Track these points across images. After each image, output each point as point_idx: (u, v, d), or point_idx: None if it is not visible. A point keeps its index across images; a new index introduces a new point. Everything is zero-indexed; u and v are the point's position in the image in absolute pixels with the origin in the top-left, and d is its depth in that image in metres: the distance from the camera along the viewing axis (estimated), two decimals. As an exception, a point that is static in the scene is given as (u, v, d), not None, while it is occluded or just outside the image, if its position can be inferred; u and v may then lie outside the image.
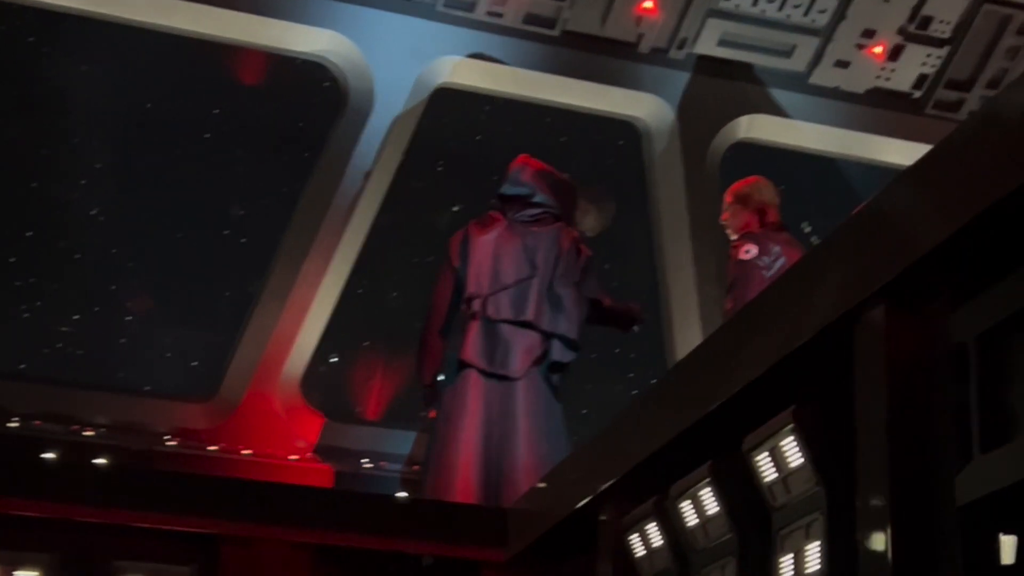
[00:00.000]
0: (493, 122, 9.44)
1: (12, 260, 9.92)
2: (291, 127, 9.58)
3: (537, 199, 7.63)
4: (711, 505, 3.99)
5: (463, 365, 7.31)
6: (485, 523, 5.72)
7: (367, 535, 5.57)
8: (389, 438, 9.13)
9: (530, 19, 9.13)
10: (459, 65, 9.18)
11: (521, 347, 7.29)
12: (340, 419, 9.32)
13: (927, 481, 3.15)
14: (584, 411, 9.78)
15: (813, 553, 3.47)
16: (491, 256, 7.51)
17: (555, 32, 9.20)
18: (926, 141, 9.24)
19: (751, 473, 3.73)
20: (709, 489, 3.98)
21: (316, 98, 9.29)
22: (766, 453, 3.65)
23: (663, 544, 4.32)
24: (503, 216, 7.63)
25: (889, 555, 3.14)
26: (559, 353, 7.31)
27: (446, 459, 7.16)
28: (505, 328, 7.35)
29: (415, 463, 8.58)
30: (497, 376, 7.24)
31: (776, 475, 3.64)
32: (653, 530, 4.35)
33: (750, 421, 3.80)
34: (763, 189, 7.65)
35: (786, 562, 3.59)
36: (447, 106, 9.38)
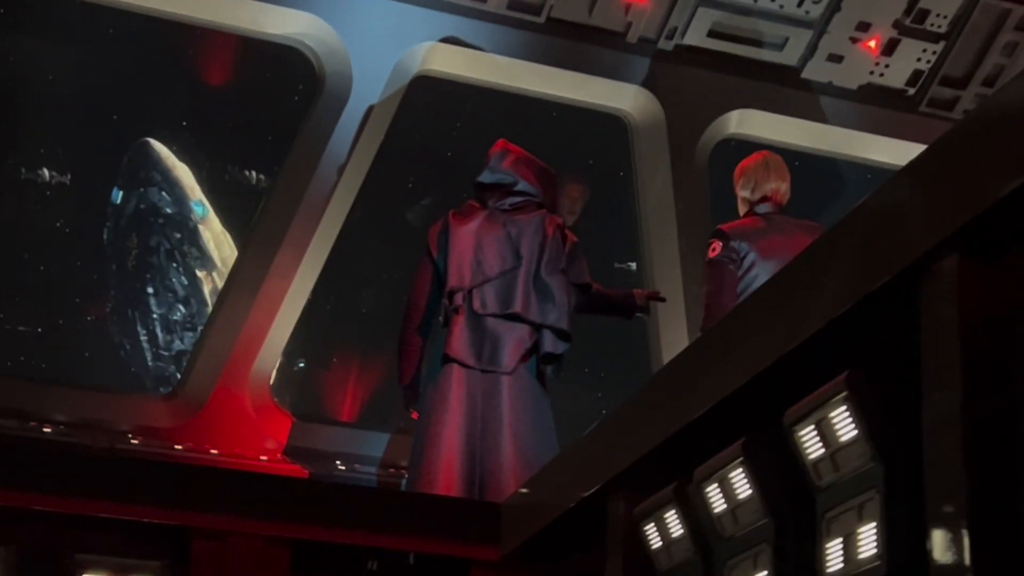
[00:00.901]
0: (474, 112, 9.09)
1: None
2: (265, 113, 9.20)
3: (519, 187, 7.28)
4: (743, 488, 3.62)
5: (448, 360, 6.93)
6: (476, 519, 5.34)
7: (348, 530, 5.18)
8: (363, 440, 8.76)
9: (514, 5, 8.77)
10: (440, 51, 8.82)
11: (510, 341, 6.93)
12: (311, 419, 8.92)
13: (1010, 451, 2.79)
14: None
15: (868, 536, 3.11)
16: (473, 247, 7.15)
17: (540, 19, 8.85)
18: (919, 140, 8.96)
19: (793, 450, 3.36)
20: (741, 470, 3.61)
21: (291, 83, 8.91)
22: (812, 427, 3.29)
23: (684, 534, 3.95)
24: (483, 205, 7.27)
25: (965, 536, 2.79)
26: (550, 344, 6.94)
27: (428, 458, 6.77)
28: (492, 322, 6.98)
29: (391, 466, 8.22)
30: (483, 371, 6.87)
31: (823, 451, 3.28)
32: (673, 518, 3.98)
33: (788, 394, 3.45)
34: (744, 175, 7.21)
35: (834, 547, 3.22)
36: (427, 94, 9.02)
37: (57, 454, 5.60)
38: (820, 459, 3.29)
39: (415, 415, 7.10)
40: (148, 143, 9.93)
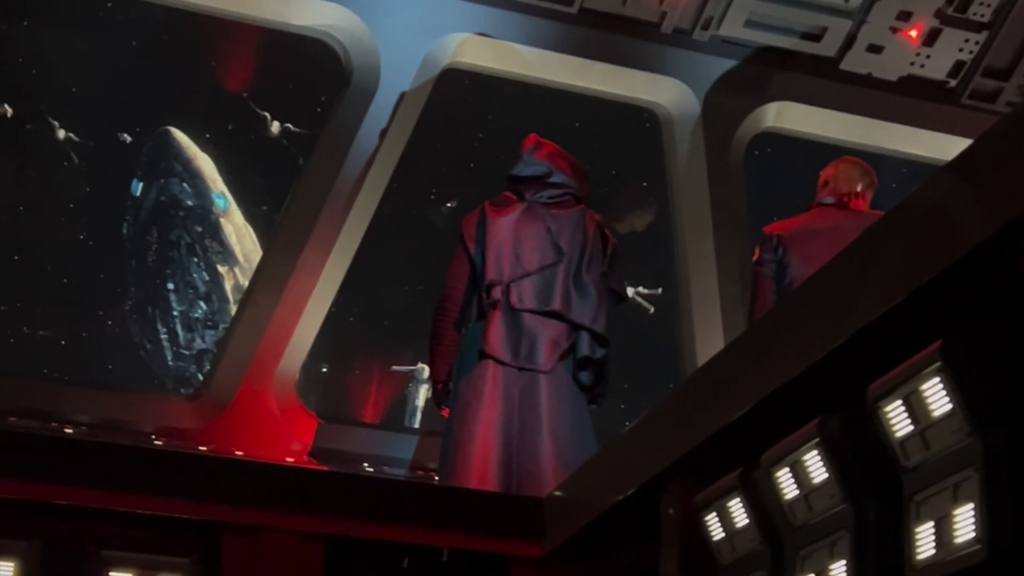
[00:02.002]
0: (504, 105, 8.87)
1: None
2: (291, 108, 9.01)
3: (556, 179, 7.06)
4: (818, 471, 3.37)
5: (483, 357, 6.69)
6: (518, 514, 5.10)
7: (385, 525, 4.95)
8: (391, 441, 8.53)
9: (547, -5, 8.57)
10: (469, 43, 8.61)
11: (547, 339, 6.69)
12: (337, 421, 8.70)
13: None
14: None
15: (965, 518, 2.87)
16: (511, 240, 6.91)
17: (573, 10, 8.64)
18: (960, 134, 8.71)
19: (877, 428, 3.12)
20: (816, 452, 3.36)
21: (318, 77, 8.70)
22: (899, 402, 3.04)
23: (749, 523, 3.70)
24: (519, 198, 7.04)
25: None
26: (588, 348, 6.70)
27: (462, 456, 6.53)
28: (529, 318, 6.74)
29: (420, 468, 7.99)
30: (520, 368, 6.64)
31: (912, 428, 3.03)
32: (737, 507, 3.73)
33: (862, 371, 3.21)
34: (829, 169, 7.09)
35: (925, 532, 2.98)
36: (456, 87, 8.81)
37: (84, 448, 5.35)
38: (908, 437, 3.05)
39: (446, 413, 6.87)
40: (169, 132, 9.62)
